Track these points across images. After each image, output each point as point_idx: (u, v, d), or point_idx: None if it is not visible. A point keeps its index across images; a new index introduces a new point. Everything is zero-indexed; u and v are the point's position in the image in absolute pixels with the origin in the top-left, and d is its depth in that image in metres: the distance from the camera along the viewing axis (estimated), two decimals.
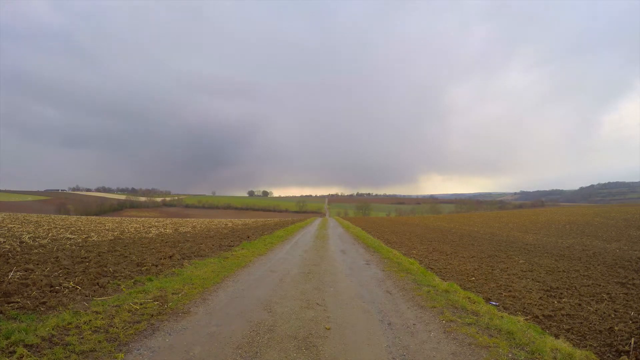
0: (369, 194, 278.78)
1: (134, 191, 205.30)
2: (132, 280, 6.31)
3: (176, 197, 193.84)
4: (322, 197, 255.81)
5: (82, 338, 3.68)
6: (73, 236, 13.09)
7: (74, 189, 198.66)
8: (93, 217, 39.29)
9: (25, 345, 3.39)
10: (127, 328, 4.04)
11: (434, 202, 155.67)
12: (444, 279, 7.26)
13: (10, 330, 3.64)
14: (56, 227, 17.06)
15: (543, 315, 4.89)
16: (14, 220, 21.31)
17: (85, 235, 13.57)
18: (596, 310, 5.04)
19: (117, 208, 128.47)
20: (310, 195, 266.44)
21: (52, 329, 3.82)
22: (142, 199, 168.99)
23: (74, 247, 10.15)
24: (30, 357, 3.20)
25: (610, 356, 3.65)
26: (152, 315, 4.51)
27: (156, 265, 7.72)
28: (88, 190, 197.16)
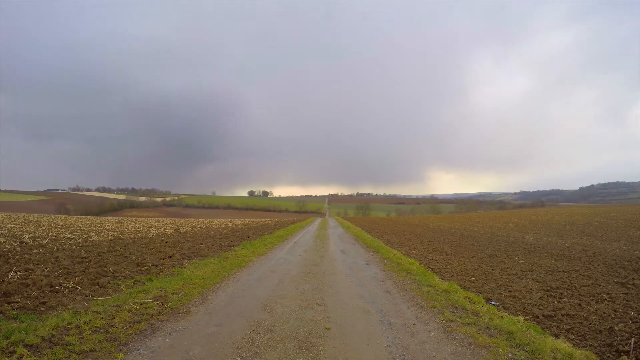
0: (369, 194, 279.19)
1: (134, 191, 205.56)
2: (132, 280, 6.32)
3: (176, 197, 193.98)
4: (322, 197, 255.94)
5: (82, 338, 3.68)
6: (73, 236, 13.09)
7: (74, 189, 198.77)
8: (93, 217, 39.30)
9: (25, 345, 3.39)
10: (127, 328, 4.04)
11: (434, 202, 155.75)
12: (444, 279, 7.26)
13: (10, 330, 3.65)
14: (56, 227, 17.05)
15: (543, 315, 4.89)
16: (14, 220, 21.30)
17: (85, 235, 13.57)
18: (596, 310, 5.04)
19: (117, 208, 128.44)
20: (310, 195, 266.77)
21: (52, 329, 3.82)
22: (142, 198, 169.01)
23: (74, 247, 10.15)
24: (30, 357, 3.20)
25: (610, 356, 3.65)
26: (152, 315, 4.52)
27: (156, 265, 7.73)
28: (88, 190, 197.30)
